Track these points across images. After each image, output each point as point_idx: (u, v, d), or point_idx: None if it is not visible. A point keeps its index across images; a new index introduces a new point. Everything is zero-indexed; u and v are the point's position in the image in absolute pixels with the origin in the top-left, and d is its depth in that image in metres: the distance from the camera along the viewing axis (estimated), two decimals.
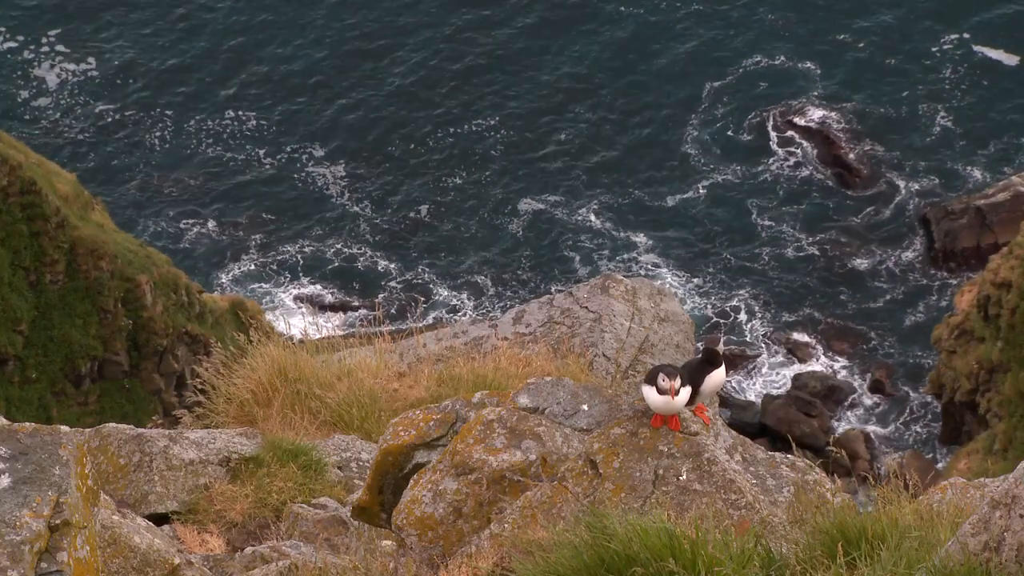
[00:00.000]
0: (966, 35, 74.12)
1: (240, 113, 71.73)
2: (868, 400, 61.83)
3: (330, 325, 58.73)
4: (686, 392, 10.65)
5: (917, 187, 68.72)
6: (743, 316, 64.75)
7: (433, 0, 75.84)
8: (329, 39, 74.64)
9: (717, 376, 11.04)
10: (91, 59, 73.60)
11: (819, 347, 63.70)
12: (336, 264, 66.54)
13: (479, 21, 75.21)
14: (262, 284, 65.88)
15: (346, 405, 16.86)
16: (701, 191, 68.90)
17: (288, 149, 70.37)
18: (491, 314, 60.37)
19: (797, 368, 62.79)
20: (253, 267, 66.41)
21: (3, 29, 74.81)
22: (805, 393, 60.96)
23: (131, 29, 75.01)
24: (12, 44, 74.05)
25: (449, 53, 73.87)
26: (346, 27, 75.12)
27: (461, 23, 75.12)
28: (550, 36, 74.57)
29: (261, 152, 70.22)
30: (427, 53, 73.85)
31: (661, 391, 10.54)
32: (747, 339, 63.88)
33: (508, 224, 67.71)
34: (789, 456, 11.85)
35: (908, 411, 61.30)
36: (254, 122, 71.31)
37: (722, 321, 64.34)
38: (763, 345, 63.68)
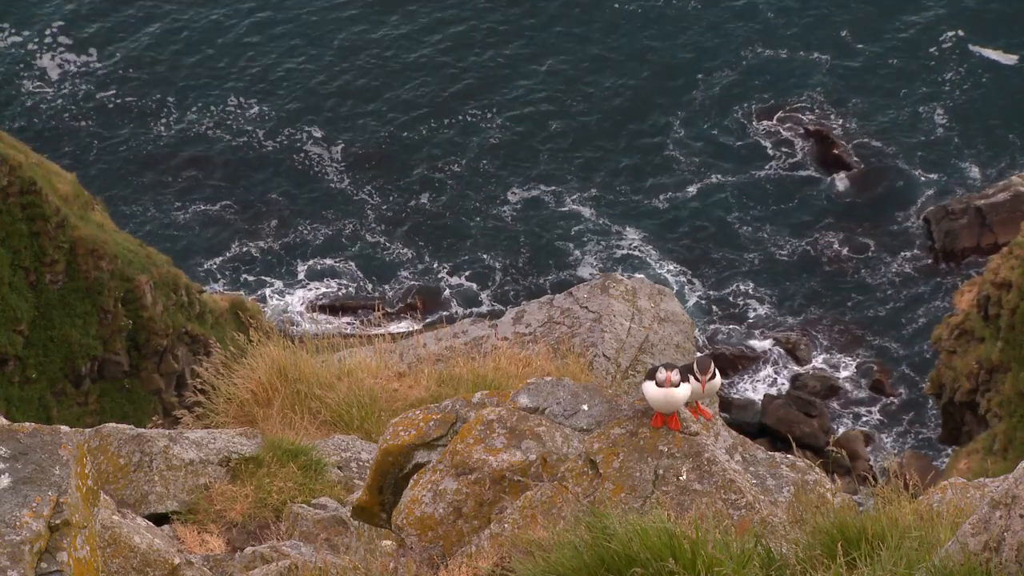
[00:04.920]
0: (964, 34, 74.12)
1: (242, 101, 71.80)
2: (868, 400, 61.83)
3: (328, 320, 58.73)
4: (686, 388, 10.65)
5: (917, 187, 68.73)
6: (743, 316, 64.74)
7: None
8: (329, 31, 74.65)
9: (711, 383, 11.07)
10: (92, 50, 73.69)
11: (819, 347, 63.69)
12: (335, 258, 66.54)
13: (478, 14, 75.23)
14: (261, 277, 65.88)
15: (346, 405, 16.86)
16: (700, 190, 68.90)
17: (287, 144, 70.38)
18: (490, 312, 60.35)
19: (797, 368, 62.79)
20: (251, 261, 66.42)
21: (6, 25, 74.94)
22: (805, 393, 60.96)
23: (130, 21, 75.06)
24: (16, 38, 74.14)
25: (448, 48, 73.90)
26: (345, 20, 75.12)
27: (460, 18, 75.15)
28: (551, 29, 74.61)
29: (260, 145, 70.23)
30: (427, 47, 73.86)
31: (659, 383, 10.55)
32: (747, 339, 63.88)
33: (507, 220, 67.70)
34: (789, 456, 11.85)
35: (908, 411, 61.30)
36: (255, 113, 71.33)
37: (723, 319, 64.37)
38: (763, 345, 63.67)
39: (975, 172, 68.98)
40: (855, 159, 69.72)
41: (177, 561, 11.66)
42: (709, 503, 10.31)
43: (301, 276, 66.21)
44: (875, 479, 10.84)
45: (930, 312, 63.80)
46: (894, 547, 8.90)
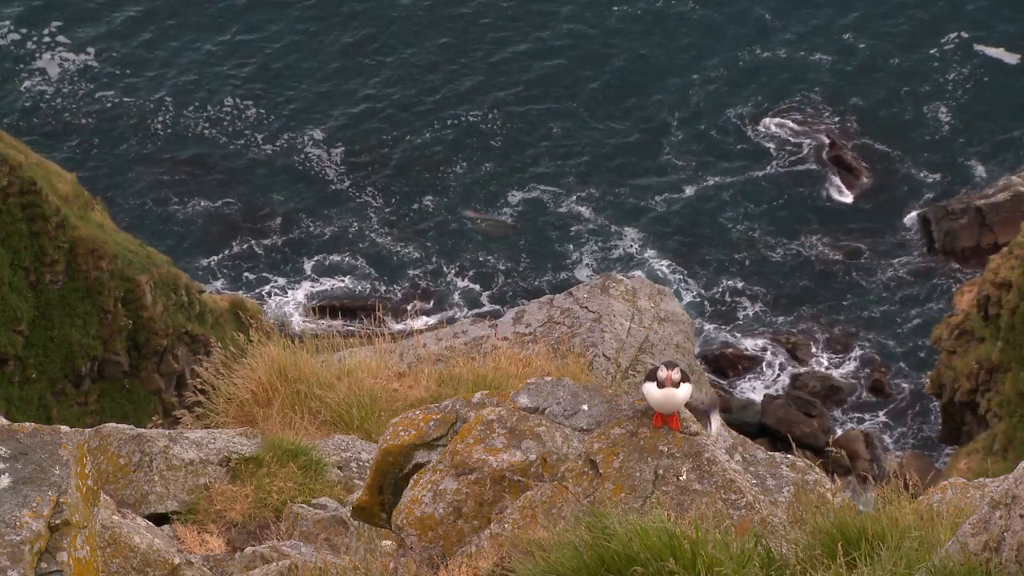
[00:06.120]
0: (966, 34, 74.11)
1: (239, 102, 71.79)
2: (868, 400, 61.83)
3: (328, 321, 58.70)
4: (687, 388, 10.64)
5: (917, 187, 68.72)
6: (743, 316, 64.73)
7: None
8: (329, 30, 74.64)
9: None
10: (91, 50, 73.69)
11: (819, 347, 63.70)
12: (335, 259, 66.54)
13: (478, 17, 75.23)
14: (262, 275, 65.88)
15: (346, 405, 16.86)
16: (699, 190, 68.89)
17: (287, 144, 70.37)
18: (490, 312, 60.33)
19: (797, 368, 62.78)
20: (251, 261, 66.42)
21: (6, 23, 74.92)
22: (805, 393, 60.96)
23: (130, 21, 75.04)
24: (15, 36, 74.15)
25: (449, 49, 73.89)
26: (346, 20, 75.11)
27: (460, 19, 75.15)
28: (551, 30, 74.60)
29: (260, 145, 70.22)
30: (428, 48, 73.85)
31: (660, 382, 10.54)
32: (747, 339, 63.87)
33: (507, 220, 67.69)
34: (789, 456, 11.85)
35: (908, 411, 61.29)
36: (254, 114, 71.32)
37: (722, 319, 64.38)
38: (763, 345, 63.67)
39: (976, 172, 68.98)
40: (856, 159, 69.70)
41: (177, 561, 11.66)
42: (709, 503, 10.31)
43: (301, 276, 66.20)
44: (876, 479, 10.85)
45: (930, 312, 63.80)
46: (894, 547, 8.90)
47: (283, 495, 14.31)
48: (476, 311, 63.01)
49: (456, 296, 65.32)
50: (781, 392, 61.65)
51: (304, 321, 61.96)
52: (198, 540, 13.62)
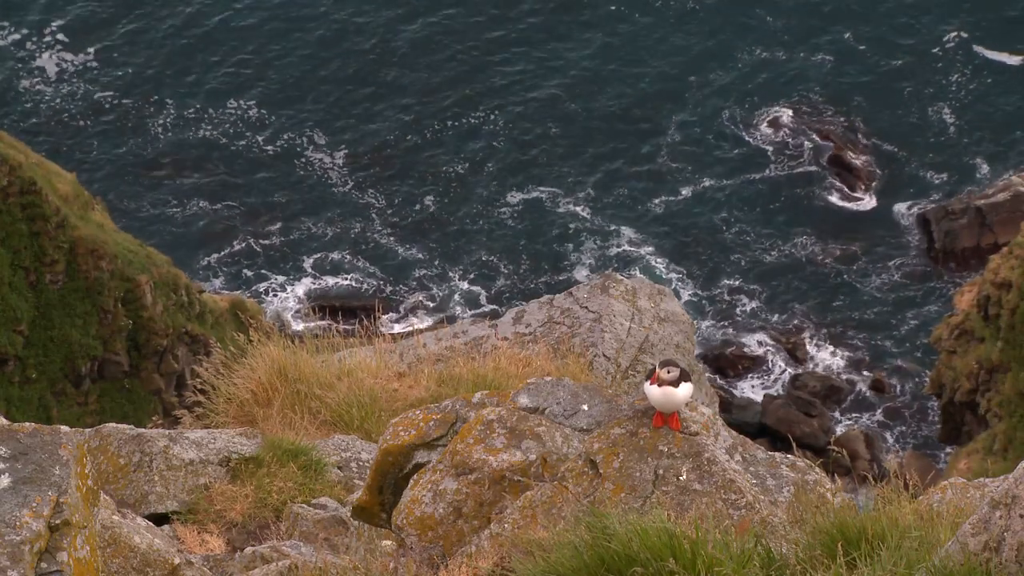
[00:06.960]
0: (966, 35, 74.10)
1: (241, 103, 71.78)
2: (868, 400, 61.84)
3: (328, 320, 58.70)
4: (687, 388, 10.64)
5: (917, 187, 68.72)
6: (743, 316, 64.72)
7: None
8: (329, 29, 74.63)
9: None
10: (91, 50, 73.68)
11: (819, 347, 63.70)
12: (335, 259, 66.54)
13: (479, 19, 75.22)
14: (261, 271, 65.87)
15: (346, 405, 16.85)
16: (700, 190, 68.89)
17: (288, 145, 70.36)
18: (490, 312, 60.32)
19: (797, 368, 62.79)
20: (251, 261, 66.42)
21: (5, 24, 74.92)
22: (805, 393, 60.96)
23: (130, 21, 75.05)
24: (16, 38, 74.15)
25: (450, 51, 73.89)
26: (348, 22, 75.10)
27: (462, 21, 75.14)
28: (551, 33, 74.61)
29: (261, 146, 70.22)
30: (429, 50, 73.86)
31: (662, 382, 10.53)
32: (747, 339, 63.87)
33: (507, 221, 67.69)
34: (789, 456, 11.84)
35: (908, 411, 61.30)
36: (255, 114, 71.31)
37: (722, 319, 64.37)
38: (763, 345, 63.67)
39: (977, 172, 69.00)
40: (856, 159, 69.70)
41: (177, 561, 11.66)
42: (709, 503, 10.31)
43: (301, 276, 66.21)
44: (876, 479, 10.84)
45: (930, 312, 63.81)
46: (894, 547, 8.89)
47: (283, 495, 14.31)
48: (476, 311, 63.02)
49: (456, 296, 65.32)
50: (781, 392, 61.66)
51: (304, 321, 61.97)
52: (198, 540, 13.62)
